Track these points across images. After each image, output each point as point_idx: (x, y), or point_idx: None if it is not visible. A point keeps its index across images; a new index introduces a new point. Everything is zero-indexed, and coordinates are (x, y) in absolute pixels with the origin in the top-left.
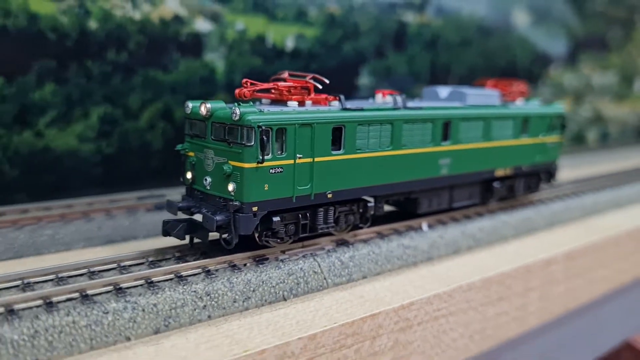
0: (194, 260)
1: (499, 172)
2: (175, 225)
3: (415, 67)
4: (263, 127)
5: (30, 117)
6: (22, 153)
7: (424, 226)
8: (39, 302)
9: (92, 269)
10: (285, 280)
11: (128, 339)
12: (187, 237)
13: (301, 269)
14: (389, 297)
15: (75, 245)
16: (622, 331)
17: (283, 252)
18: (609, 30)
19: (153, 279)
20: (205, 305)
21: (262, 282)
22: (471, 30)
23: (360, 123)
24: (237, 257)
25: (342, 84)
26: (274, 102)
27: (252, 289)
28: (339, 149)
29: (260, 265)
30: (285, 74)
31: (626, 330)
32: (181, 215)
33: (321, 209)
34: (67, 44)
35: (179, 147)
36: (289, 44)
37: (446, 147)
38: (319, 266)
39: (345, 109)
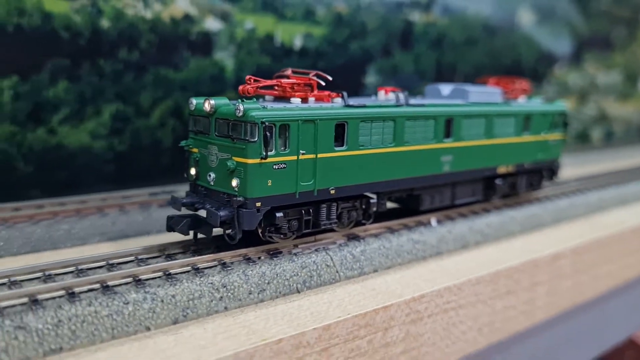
0: (210, 253)
1: (501, 169)
2: (179, 221)
3: (421, 66)
4: (266, 123)
5: (44, 114)
6: (36, 150)
7: (433, 221)
8: (62, 292)
9: (110, 262)
10: (299, 273)
11: (148, 328)
12: (191, 233)
13: (314, 262)
14: (400, 289)
15: (91, 239)
16: (627, 326)
17: (296, 245)
18: (613, 30)
19: (171, 271)
20: (221, 297)
21: (277, 274)
22: (477, 30)
23: (363, 120)
24: (252, 251)
25: (349, 83)
26: (278, 98)
27: (266, 281)
28: (342, 146)
29: (274, 259)
30: (289, 71)
31: (631, 325)
32: (186, 211)
33: (324, 205)
34: (80, 42)
35: (183, 143)
36: (297, 42)
37: (448, 144)
38: (332, 260)
39: (347, 106)
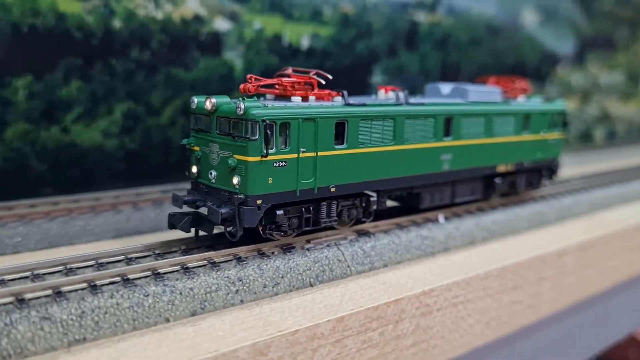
0: (225, 248)
1: (501, 168)
2: (181, 218)
3: (426, 66)
4: (267, 121)
5: (57, 113)
6: (49, 148)
7: (441, 218)
8: (84, 285)
9: (128, 256)
10: (312, 268)
11: (167, 320)
12: (193, 230)
13: (326, 257)
14: (410, 283)
15: (106, 235)
16: (630, 322)
17: (308, 241)
18: (616, 30)
19: (188, 264)
20: (237, 290)
21: (290, 269)
22: (481, 30)
23: (363, 118)
24: (266, 245)
25: (356, 82)
26: (278, 97)
27: (280, 275)
28: (342, 144)
29: (288, 253)
30: (289, 70)
31: (634, 321)
32: (187, 209)
33: (324, 203)
34: (93, 42)
35: (184, 141)
36: (305, 42)
37: (448, 142)
38: (343, 255)
39: (348, 104)
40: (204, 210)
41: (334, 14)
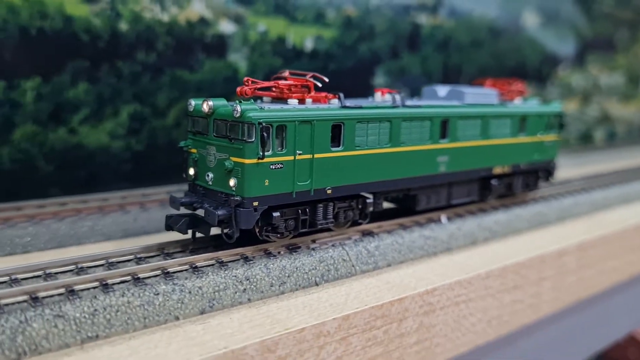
0: (232, 248)
1: (497, 170)
2: (178, 220)
3: (428, 67)
4: (263, 124)
5: (65, 114)
6: (56, 149)
7: (443, 219)
8: (96, 283)
9: (138, 255)
10: (317, 267)
11: (177, 318)
12: (190, 232)
13: (331, 256)
14: (414, 283)
15: (114, 235)
16: (629, 321)
17: (314, 241)
18: (616, 32)
19: (197, 264)
20: (245, 289)
21: (296, 268)
22: (482, 32)
23: (359, 121)
24: (272, 245)
25: (358, 84)
26: (275, 100)
27: (287, 274)
28: (338, 146)
29: (294, 253)
30: (286, 73)
31: (634, 320)
32: (185, 211)
33: (321, 205)
34: (100, 45)
35: (182, 143)
36: (308, 44)
37: (444, 144)
38: (348, 254)
39: (344, 107)
40: (201, 212)
41: (337, 16)
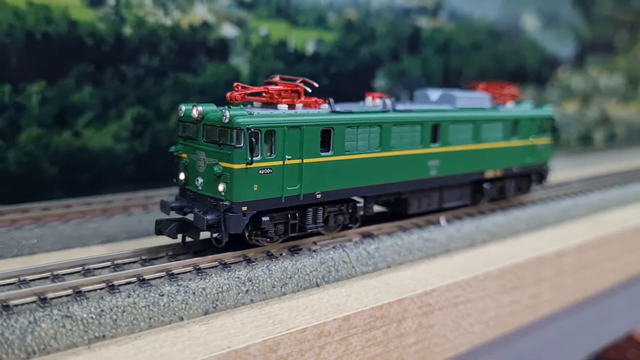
0: (235, 250)
1: (489, 174)
2: (168, 225)
3: (428, 70)
4: (252, 129)
5: (69, 118)
6: (61, 152)
7: (442, 221)
8: (102, 285)
9: (143, 257)
10: (318, 269)
11: (181, 318)
12: (180, 236)
13: (332, 258)
14: (413, 284)
15: (119, 237)
16: (627, 322)
17: (315, 243)
18: (615, 34)
19: (200, 266)
20: (247, 290)
21: (297, 269)
22: (482, 34)
23: (349, 125)
24: (274, 247)
25: (359, 86)
26: (266, 105)
27: (288, 275)
28: (328, 151)
29: (295, 255)
30: (277, 78)
31: (632, 321)
32: (175, 215)
33: (310, 209)
34: (104, 49)
35: (172, 148)
36: (310, 48)
37: (435, 149)
38: (348, 256)
39: (334, 112)
40: (191, 217)
41: (339, 19)
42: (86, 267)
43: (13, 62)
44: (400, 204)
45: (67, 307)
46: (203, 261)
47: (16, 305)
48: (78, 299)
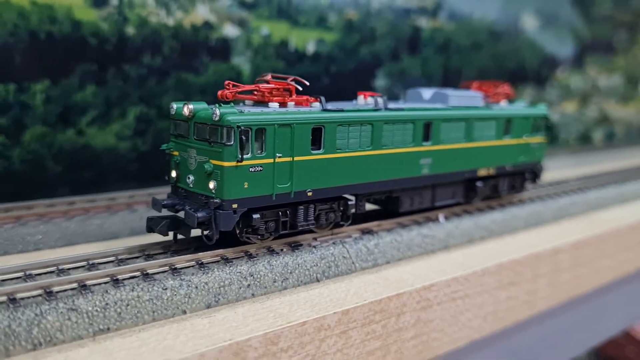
0: (237, 245)
1: (482, 172)
2: (159, 222)
3: (428, 70)
4: (242, 127)
5: (73, 116)
6: (65, 150)
7: (441, 218)
8: (107, 279)
9: (146, 252)
10: (318, 264)
11: (184, 312)
12: (171, 234)
13: (332, 254)
14: (412, 279)
15: (122, 234)
16: (623, 318)
17: (315, 239)
18: (614, 34)
19: (203, 260)
20: (249, 284)
21: (298, 265)
22: (482, 34)
23: (340, 124)
24: (275, 243)
25: (359, 86)
26: (257, 103)
27: (289, 270)
28: (319, 149)
29: (296, 250)
30: (268, 76)
31: (627, 317)
32: (167, 213)
33: (301, 207)
34: (107, 48)
35: (163, 146)
36: (310, 48)
37: (427, 147)
38: (348, 252)
39: (325, 110)
40: (182, 214)
41: (339, 20)
42: (91, 262)
43: (17, 61)
44: (392, 202)
45: (73, 301)
46: (205, 256)
47: (23, 299)
48: (83, 292)
